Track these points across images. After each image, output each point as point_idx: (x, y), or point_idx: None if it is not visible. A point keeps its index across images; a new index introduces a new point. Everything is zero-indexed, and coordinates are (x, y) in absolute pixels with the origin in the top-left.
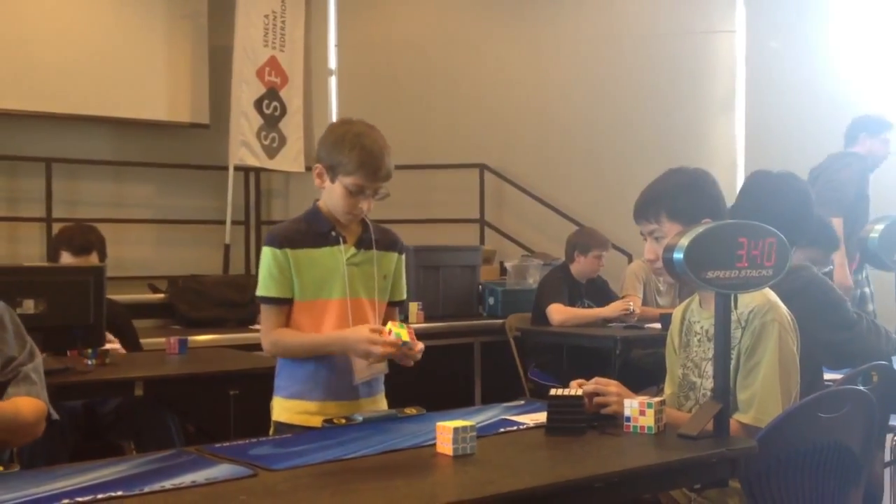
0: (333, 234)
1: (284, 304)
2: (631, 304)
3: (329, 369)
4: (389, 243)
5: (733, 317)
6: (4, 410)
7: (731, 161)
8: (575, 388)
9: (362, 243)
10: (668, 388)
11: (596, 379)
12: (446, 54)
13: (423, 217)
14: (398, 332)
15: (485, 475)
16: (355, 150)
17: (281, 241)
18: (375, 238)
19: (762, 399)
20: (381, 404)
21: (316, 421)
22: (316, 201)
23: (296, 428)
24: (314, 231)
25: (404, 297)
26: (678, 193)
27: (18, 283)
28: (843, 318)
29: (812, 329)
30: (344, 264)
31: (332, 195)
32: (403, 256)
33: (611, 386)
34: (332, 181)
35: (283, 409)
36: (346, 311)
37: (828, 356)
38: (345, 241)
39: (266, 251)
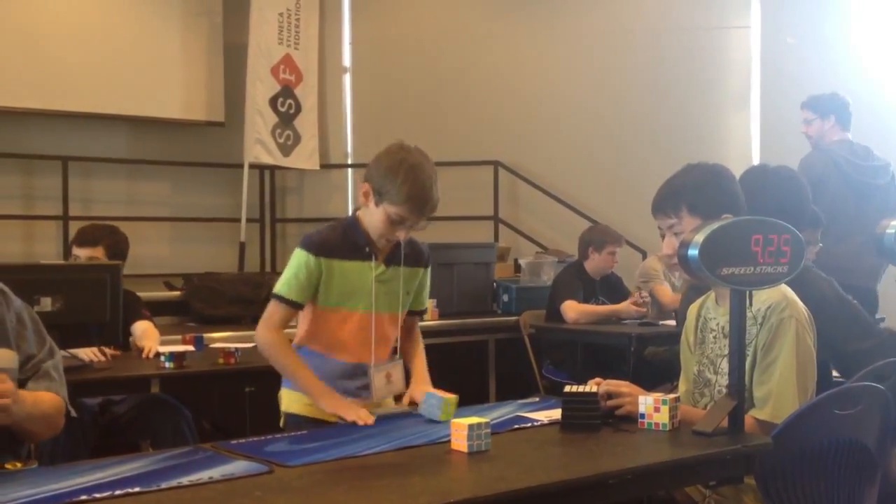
0: (367, 249)
1: (296, 308)
2: (643, 297)
3: (341, 370)
4: (417, 258)
5: (750, 313)
6: (25, 398)
7: (746, 158)
8: (592, 386)
9: (392, 260)
10: (682, 386)
11: (607, 381)
12: (460, 51)
13: (437, 214)
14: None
15: (499, 472)
16: (407, 183)
17: (318, 249)
18: (405, 253)
19: (779, 396)
20: (389, 403)
21: (326, 414)
22: (356, 210)
23: (307, 420)
24: (349, 242)
25: (425, 307)
26: (699, 188)
27: (35, 280)
28: (865, 328)
29: (833, 341)
30: (372, 281)
31: (372, 217)
32: (429, 269)
33: (622, 387)
34: (377, 205)
35: (293, 400)
36: (368, 325)
37: (847, 366)
38: (377, 258)
39: (301, 254)
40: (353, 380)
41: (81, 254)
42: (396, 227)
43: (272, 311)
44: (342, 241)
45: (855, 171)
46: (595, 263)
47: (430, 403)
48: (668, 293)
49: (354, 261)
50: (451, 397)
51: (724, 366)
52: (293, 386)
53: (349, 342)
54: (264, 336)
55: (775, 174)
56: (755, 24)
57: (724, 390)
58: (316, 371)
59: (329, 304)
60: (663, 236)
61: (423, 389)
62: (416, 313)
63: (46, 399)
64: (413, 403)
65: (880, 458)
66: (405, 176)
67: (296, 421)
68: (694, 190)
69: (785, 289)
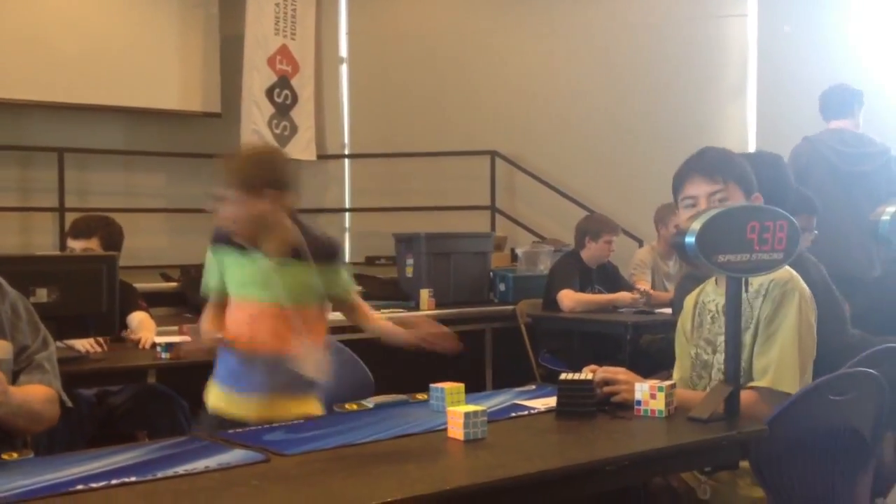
0: (244, 243)
1: (212, 300)
2: (641, 291)
3: (251, 362)
4: (325, 252)
5: (754, 287)
6: (15, 395)
7: (742, 146)
8: (587, 373)
9: (297, 254)
10: (676, 374)
11: (604, 368)
12: (457, 41)
13: (435, 204)
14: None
15: (496, 459)
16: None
17: (213, 242)
18: (312, 248)
19: (779, 364)
20: (311, 405)
21: (241, 412)
22: None
23: (226, 422)
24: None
25: (349, 289)
26: (745, 163)
27: (31, 272)
28: (841, 327)
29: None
30: (263, 271)
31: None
32: (339, 262)
33: (619, 374)
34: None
35: (215, 396)
36: (271, 315)
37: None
38: (259, 249)
39: (208, 251)
40: (255, 368)
41: (76, 246)
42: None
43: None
44: (229, 236)
45: (839, 160)
46: (591, 252)
47: (436, 396)
48: (646, 288)
49: (242, 252)
50: (455, 386)
51: (722, 344)
52: (216, 380)
53: (253, 331)
54: None
55: (759, 160)
56: (752, 12)
57: (724, 367)
58: (231, 352)
59: (230, 296)
60: (682, 209)
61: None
62: (343, 299)
63: (38, 393)
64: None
65: (874, 444)
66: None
67: (216, 421)
68: (744, 163)
69: (788, 267)
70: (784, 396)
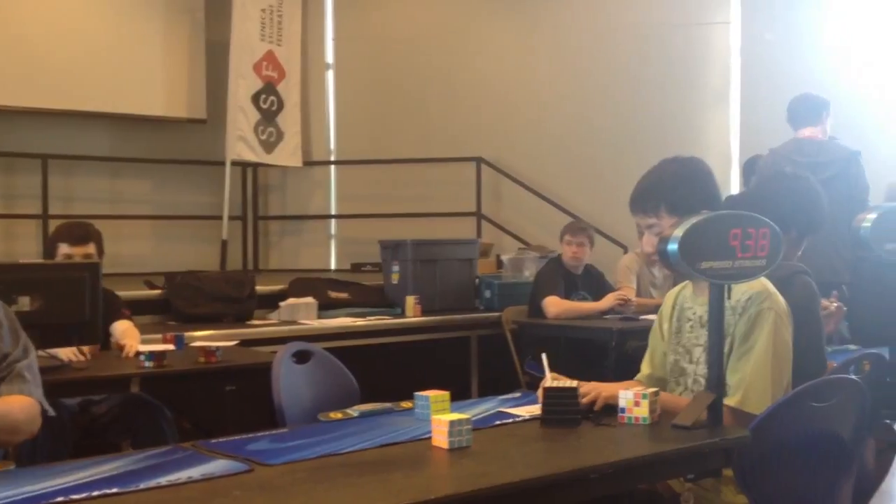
0: None
1: None
2: (626, 295)
3: None
4: None
5: (729, 304)
6: None
7: (725, 152)
8: (550, 380)
9: None
10: (645, 369)
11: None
12: (443, 48)
13: (420, 210)
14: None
15: (480, 468)
16: None
17: None
18: None
19: (750, 384)
20: None
21: None
22: None
23: None
24: None
25: None
26: (676, 186)
27: (14, 279)
28: (817, 355)
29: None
30: None
31: None
32: None
33: (584, 386)
34: None
35: None
36: None
37: None
38: None
39: None
40: None
41: (77, 252)
42: None
43: None
44: None
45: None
46: (565, 256)
47: (421, 404)
48: (631, 295)
49: None
50: (439, 394)
51: (699, 355)
52: None
53: None
54: None
55: (793, 181)
56: (735, 19)
57: (701, 380)
58: None
59: None
60: (641, 234)
61: None
62: None
63: (15, 406)
64: None
65: (856, 449)
66: None
67: None
68: (672, 188)
69: (765, 281)
70: (749, 417)
